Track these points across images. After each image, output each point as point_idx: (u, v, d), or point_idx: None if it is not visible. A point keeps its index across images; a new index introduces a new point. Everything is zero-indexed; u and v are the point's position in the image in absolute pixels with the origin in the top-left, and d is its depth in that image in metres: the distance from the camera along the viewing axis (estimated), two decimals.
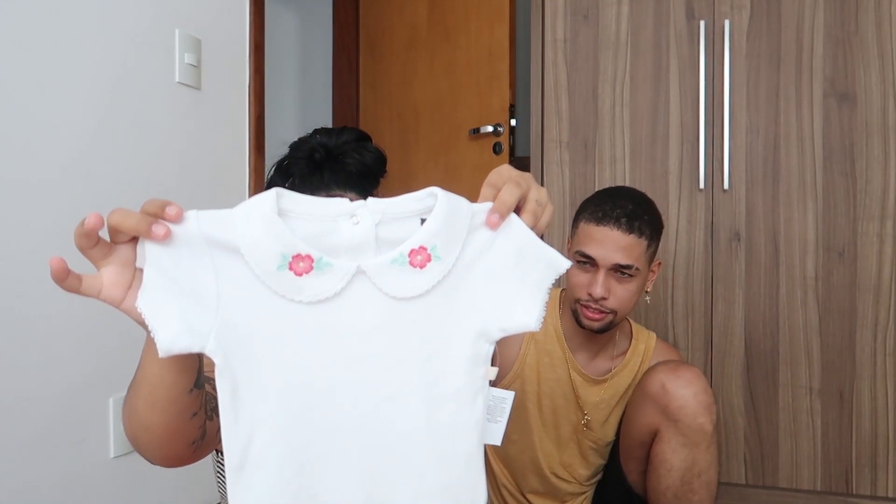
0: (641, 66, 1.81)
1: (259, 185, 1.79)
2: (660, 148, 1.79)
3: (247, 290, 0.56)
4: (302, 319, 0.57)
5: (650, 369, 1.29)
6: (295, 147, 1.00)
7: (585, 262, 1.25)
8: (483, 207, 0.62)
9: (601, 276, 1.23)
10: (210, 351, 0.56)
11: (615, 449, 1.39)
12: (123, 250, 0.58)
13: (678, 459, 1.21)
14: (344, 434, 0.59)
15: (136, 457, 1.46)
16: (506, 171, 0.65)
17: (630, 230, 1.23)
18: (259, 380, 0.57)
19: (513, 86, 2.22)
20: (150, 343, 0.63)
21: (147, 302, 0.55)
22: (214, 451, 0.93)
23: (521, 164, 2.24)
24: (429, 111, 2.46)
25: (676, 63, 1.78)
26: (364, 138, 1.00)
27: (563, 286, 1.45)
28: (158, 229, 0.54)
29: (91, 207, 1.35)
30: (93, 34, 1.36)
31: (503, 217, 0.61)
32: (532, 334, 1.34)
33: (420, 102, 2.48)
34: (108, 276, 0.57)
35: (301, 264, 0.56)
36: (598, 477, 1.44)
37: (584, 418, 1.35)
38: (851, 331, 1.66)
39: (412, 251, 0.59)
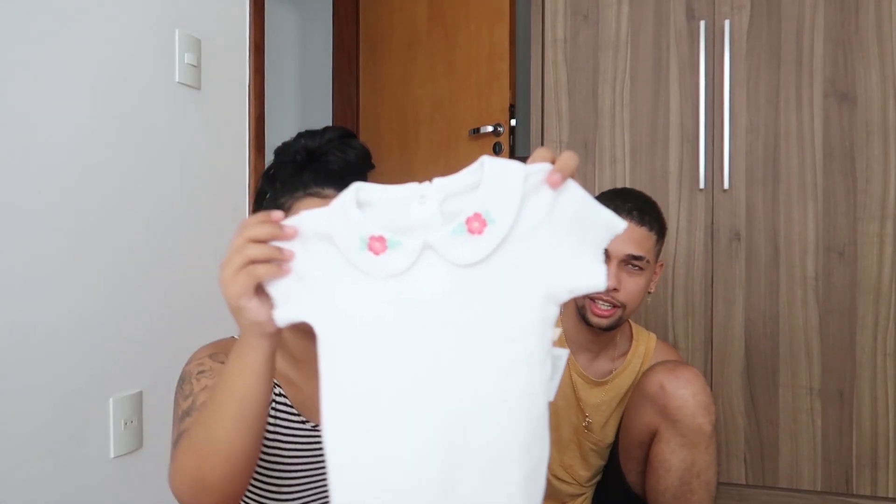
0: (641, 66, 1.81)
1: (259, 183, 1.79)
2: (660, 148, 1.79)
3: (342, 270, 0.64)
4: (384, 293, 0.63)
5: (649, 370, 1.29)
6: (279, 152, 1.00)
7: None
8: (537, 168, 0.63)
9: (613, 267, 1.25)
10: (312, 320, 0.65)
11: (614, 449, 1.39)
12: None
13: (677, 460, 1.21)
14: (423, 396, 0.63)
15: (136, 457, 1.46)
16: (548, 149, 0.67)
17: (642, 223, 1.26)
18: (350, 349, 0.64)
19: (513, 86, 2.22)
20: (246, 355, 0.70)
21: (273, 287, 0.66)
22: None
23: None
24: (429, 111, 2.46)
25: (676, 63, 1.78)
26: (348, 135, 0.99)
27: None
28: (288, 229, 0.65)
29: (91, 207, 1.35)
30: (92, 34, 1.36)
31: (565, 177, 0.63)
32: None
33: (420, 102, 2.48)
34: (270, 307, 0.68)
35: (377, 244, 0.63)
36: (598, 478, 1.43)
37: (584, 420, 1.35)
38: (851, 331, 1.66)
39: (468, 219, 0.63)
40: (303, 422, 0.96)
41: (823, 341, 1.68)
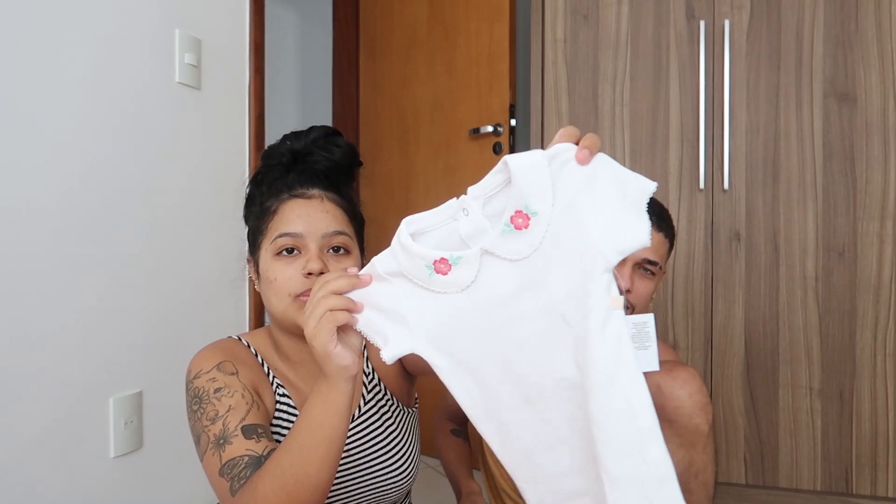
0: (641, 66, 1.81)
1: None
2: (660, 148, 1.79)
3: (422, 297, 0.71)
4: (463, 304, 0.70)
5: (646, 371, 1.29)
6: (266, 156, 1.00)
7: None
8: (560, 149, 0.67)
9: (627, 269, 1.26)
10: (420, 351, 0.71)
11: None
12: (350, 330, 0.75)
13: (675, 460, 1.20)
14: (525, 376, 0.68)
15: (137, 456, 1.46)
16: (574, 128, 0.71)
17: (660, 229, 1.27)
18: (458, 360, 0.71)
19: (513, 86, 2.22)
20: (332, 397, 0.76)
21: (370, 333, 0.73)
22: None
23: None
24: (429, 111, 2.46)
25: (676, 63, 1.78)
26: (333, 134, 0.99)
27: None
28: (364, 277, 0.72)
29: (91, 208, 1.35)
30: (92, 35, 1.36)
31: (593, 153, 0.66)
32: None
33: (420, 102, 2.48)
34: (354, 351, 0.75)
35: (441, 266, 0.69)
36: None
37: None
38: (851, 331, 1.66)
39: (511, 217, 0.67)
40: None
41: (823, 341, 1.68)
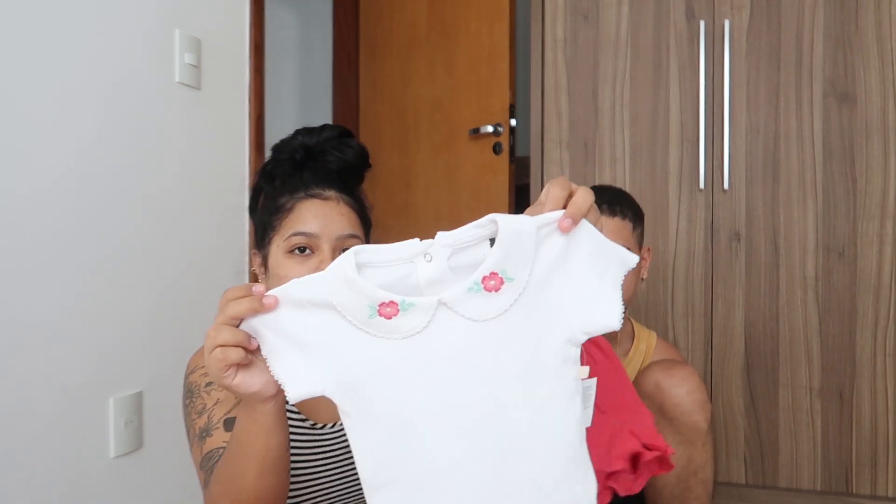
0: (641, 66, 1.81)
1: None
2: (660, 148, 1.79)
3: (350, 336, 0.63)
4: (401, 354, 0.63)
5: (645, 369, 1.29)
6: (277, 149, 1.00)
7: None
8: (549, 219, 0.64)
9: None
10: (329, 393, 0.64)
11: None
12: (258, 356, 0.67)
13: (674, 458, 1.21)
14: (460, 448, 0.63)
15: (137, 456, 1.46)
16: (565, 179, 0.67)
17: (613, 214, 1.29)
18: (375, 412, 0.64)
19: (513, 86, 2.22)
20: (251, 417, 0.70)
21: (274, 363, 0.64)
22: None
23: (521, 164, 2.24)
24: (429, 111, 2.46)
25: (676, 63, 1.78)
26: (346, 134, 1.00)
27: None
28: (268, 300, 0.64)
29: (91, 208, 1.35)
30: (92, 34, 1.36)
31: (576, 222, 0.64)
32: None
33: (420, 102, 2.48)
34: (263, 374, 0.66)
35: (388, 309, 0.63)
36: None
37: None
38: (851, 331, 1.66)
39: (484, 278, 0.63)
40: (302, 419, 0.97)
41: (823, 341, 1.68)
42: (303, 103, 2.84)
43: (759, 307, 1.71)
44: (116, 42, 1.41)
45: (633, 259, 0.65)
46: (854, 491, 1.66)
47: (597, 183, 1.83)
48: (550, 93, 1.88)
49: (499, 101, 2.23)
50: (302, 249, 0.92)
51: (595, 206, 0.66)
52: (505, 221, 0.63)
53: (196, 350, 0.98)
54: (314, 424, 0.97)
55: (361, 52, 2.70)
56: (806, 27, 1.69)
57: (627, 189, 1.81)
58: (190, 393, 0.93)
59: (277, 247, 0.93)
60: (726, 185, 1.73)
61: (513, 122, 2.20)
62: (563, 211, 0.64)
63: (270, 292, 0.64)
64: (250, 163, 1.80)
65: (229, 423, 0.86)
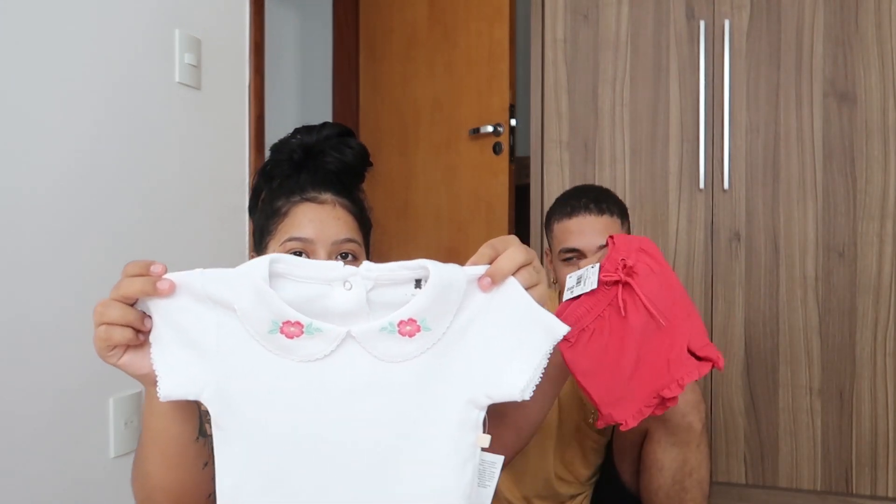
0: (641, 66, 1.81)
1: None
2: (660, 148, 1.79)
3: (244, 345, 0.59)
4: (294, 377, 0.59)
5: None
6: (276, 149, 1.00)
7: (571, 256, 1.30)
8: (480, 272, 0.62)
9: (590, 261, 1.26)
10: (205, 399, 0.59)
11: (609, 449, 1.39)
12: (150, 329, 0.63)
13: (669, 459, 1.21)
14: (333, 491, 0.60)
15: None
16: (512, 238, 0.65)
17: (601, 212, 1.30)
18: (250, 431, 0.59)
19: (513, 86, 2.22)
20: (150, 400, 0.67)
21: (156, 352, 0.60)
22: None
23: (521, 164, 2.25)
24: (429, 111, 2.46)
25: (676, 63, 1.78)
26: (346, 133, 0.99)
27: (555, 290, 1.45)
28: (162, 284, 0.60)
29: (90, 208, 1.35)
30: (92, 34, 1.36)
31: (495, 283, 0.62)
32: None
33: (420, 102, 2.48)
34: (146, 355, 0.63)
35: (291, 329, 0.59)
36: (596, 477, 1.44)
37: (589, 417, 1.35)
38: (851, 331, 1.66)
39: (401, 322, 0.60)
40: None
41: (823, 341, 1.68)
42: (303, 103, 2.84)
43: (759, 307, 1.71)
44: (116, 42, 1.42)
45: (561, 329, 0.62)
46: (854, 491, 1.66)
47: (596, 183, 1.83)
48: (550, 92, 1.88)
49: (499, 100, 2.23)
50: (298, 254, 0.91)
51: (535, 269, 0.63)
52: (437, 269, 0.60)
53: None
54: None
55: (361, 52, 2.70)
56: (806, 27, 1.69)
57: (627, 189, 1.81)
58: None
59: (273, 251, 0.93)
60: (726, 185, 1.73)
61: (513, 122, 2.21)
62: (487, 267, 0.62)
63: (169, 276, 0.60)
64: (250, 163, 1.80)
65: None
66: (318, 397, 0.60)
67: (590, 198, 1.31)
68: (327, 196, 0.95)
